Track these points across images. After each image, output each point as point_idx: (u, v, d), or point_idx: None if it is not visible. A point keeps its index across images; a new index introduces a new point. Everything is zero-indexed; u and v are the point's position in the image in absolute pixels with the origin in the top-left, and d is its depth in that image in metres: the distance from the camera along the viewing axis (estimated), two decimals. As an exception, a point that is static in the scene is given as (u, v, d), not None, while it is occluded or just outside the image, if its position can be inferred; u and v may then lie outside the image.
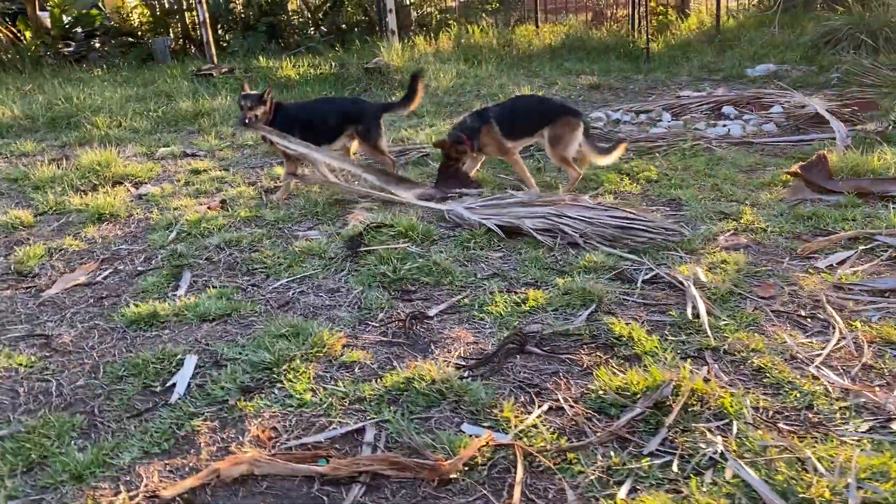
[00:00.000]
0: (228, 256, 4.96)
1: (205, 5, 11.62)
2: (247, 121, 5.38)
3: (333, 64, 11.01)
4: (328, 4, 14.56)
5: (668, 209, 5.43)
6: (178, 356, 3.65)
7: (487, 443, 2.82)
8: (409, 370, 3.40)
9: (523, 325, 3.82)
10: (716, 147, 7.10)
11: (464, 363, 3.50)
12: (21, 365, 3.70)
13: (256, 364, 3.54)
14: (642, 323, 3.72)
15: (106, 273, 4.80)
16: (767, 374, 3.21)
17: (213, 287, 4.51)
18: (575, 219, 5.16)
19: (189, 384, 3.45)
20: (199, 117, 9.08)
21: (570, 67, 11.51)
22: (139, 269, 4.87)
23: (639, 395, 3.07)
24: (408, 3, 14.60)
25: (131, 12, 15.70)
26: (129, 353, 3.77)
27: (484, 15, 14.18)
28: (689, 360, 3.37)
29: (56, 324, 4.15)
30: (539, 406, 3.10)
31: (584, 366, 3.40)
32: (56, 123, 8.95)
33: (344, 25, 14.48)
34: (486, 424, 3.00)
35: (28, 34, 14.22)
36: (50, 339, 3.96)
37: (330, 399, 3.24)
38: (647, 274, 4.31)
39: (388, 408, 3.14)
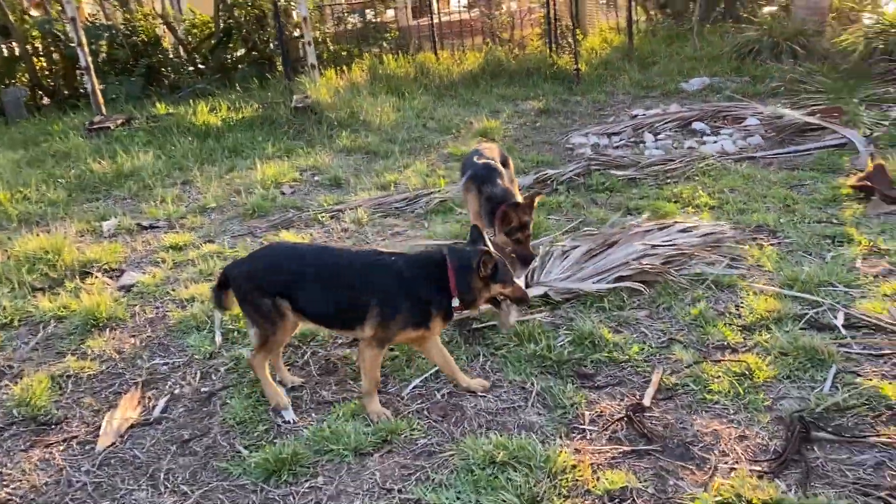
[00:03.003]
0: (313, 356, 3.91)
1: (86, 48, 9.99)
2: None
3: (256, 106, 9.79)
4: (212, 41, 13.16)
5: (762, 237, 4.99)
6: (380, 518, 2.66)
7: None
8: (713, 490, 2.64)
9: (774, 403, 3.17)
10: (729, 165, 6.83)
11: (758, 468, 2.78)
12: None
13: (501, 513, 2.63)
14: (908, 382, 3.18)
15: (162, 403, 3.59)
16: None
17: (330, 404, 3.47)
18: (664, 246, 4.68)
19: (428, 560, 2.48)
20: (123, 180, 7.60)
21: (501, 93, 11.02)
22: (203, 390, 3.69)
23: None
24: (297, 35, 13.52)
25: (-38, 61, 13.41)
26: (295, 522, 2.71)
27: (384, 44, 13.42)
28: None
29: (151, 493, 2.96)
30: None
31: (907, 450, 2.80)
32: (-69, 200, 7.14)
33: (229, 63, 13.16)
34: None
35: None
36: (164, 520, 2.79)
37: (649, 552, 2.41)
38: (834, 316, 3.80)
39: (742, 553, 2.37)
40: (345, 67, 11.67)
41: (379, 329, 3.20)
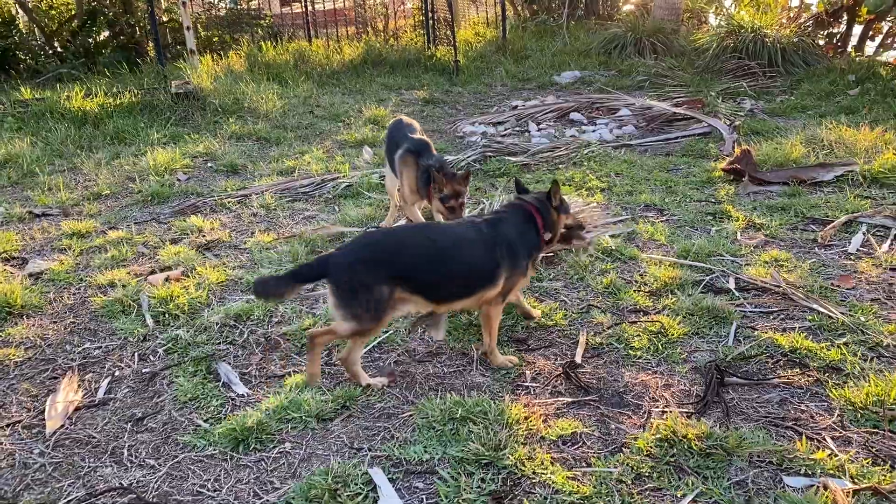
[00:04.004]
0: (252, 334, 3.96)
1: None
2: None
3: (136, 91, 9.36)
4: (75, 23, 12.37)
5: (652, 215, 5.51)
6: (356, 474, 2.81)
7: (851, 493, 2.59)
8: (650, 431, 3.00)
9: (689, 356, 3.60)
10: (610, 151, 7.39)
11: (685, 410, 3.18)
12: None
13: (469, 460, 2.86)
14: (795, 332, 3.70)
15: (105, 385, 3.54)
16: (961, 360, 3.39)
17: (280, 377, 3.57)
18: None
19: (411, 507, 2.68)
20: (-2, 167, 7.15)
21: (384, 83, 11.18)
22: (144, 371, 3.67)
23: (892, 403, 3.05)
24: (165, 20, 13.03)
25: None
26: (271, 485, 2.82)
27: (259, 31, 13.18)
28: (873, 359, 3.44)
29: (116, 469, 2.96)
30: (817, 439, 2.92)
31: (802, 387, 3.29)
32: None
33: (93, 47, 12.45)
34: (802, 473, 2.75)
35: None
36: (135, 490, 2.80)
37: (608, 483, 2.73)
38: (726, 280, 4.32)
39: (686, 479, 2.73)
40: (221, 54, 11.41)
41: (506, 283, 3.38)
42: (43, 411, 3.33)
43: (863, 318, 3.77)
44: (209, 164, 7.30)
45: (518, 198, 3.71)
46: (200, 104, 9.19)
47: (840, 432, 2.97)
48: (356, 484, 2.77)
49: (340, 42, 13.19)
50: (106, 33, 12.95)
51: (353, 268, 3.15)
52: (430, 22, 12.52)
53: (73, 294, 4.48)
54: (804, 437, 2.91)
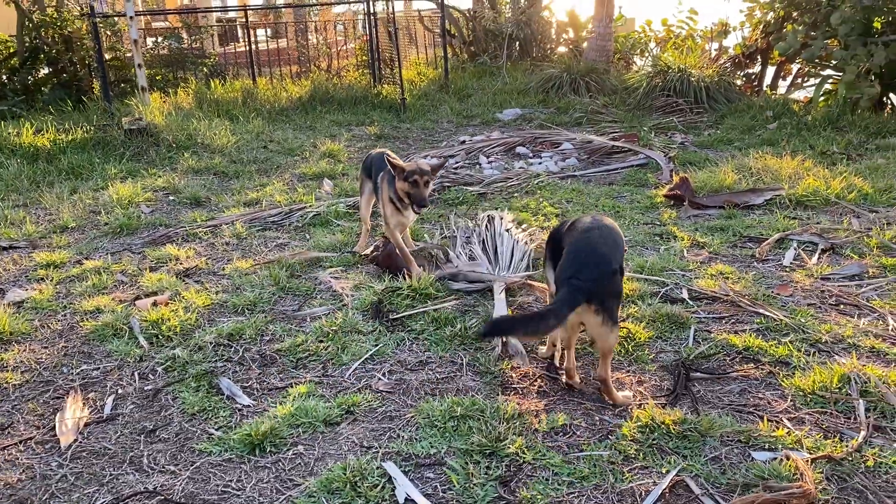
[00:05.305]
0: (247, 353, 4.16)
1: None
2: None
3: (88, 128, 9.38)
4: (14, 60, 12.24)
5: (606, 238, 5.94)
6: (371, 468, 3.06)
7: (810, 461, 2.98)
8: (632, 419, 3.35)
9: (656, 356, 3.98)
10: (557, 181, 7.86)
11: (659, 402, 3.54)
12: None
13: (474, 451, 3.15)
14: (746, 333, 4.14)
15: (111, 402, 3.68)
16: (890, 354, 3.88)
17: (281, 388, 3.77)
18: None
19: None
20: (-50, 201, 7.10)
21: (334, 119, 11.46)
22: (147, 388, 3.82)
23: (835, 388, 3.49)
24: (108, 58, 13.04)
25: None
26: (292, 482, 3.03)
27: (205, 69, 13.33)
28: (815, 353, 3.89)
29: (140, 476, 3.11)
30: (776, 421, 3.33)
31: (757, 378, 3.71)
32: None
33: (31, 84, 12.35)
34: (766, 448, 3.14)
35: None
36: (162, 493, 2.97)
37: (600, 464, 3.06)
38: (680, 291, 4.75)
39: (668, 458, 3.08)
40: (167, 91, 11.53)
41: None
42: (52, 428, 3.45)
43: (802, 320, 4.24)
44: (171, 198, 7.42)
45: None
46: (154, 140, 9.28)
47: (794, 414, 3.38)
48: (373, 477, 3.01)
49: (285, 80, 13.46)
50: (45, 70, 12.84)
51: (612, 274, 3.40)
52: (376, 62, 12.93)
53: (60, 320, 4.57)
54: (765, 419, 3.31)
